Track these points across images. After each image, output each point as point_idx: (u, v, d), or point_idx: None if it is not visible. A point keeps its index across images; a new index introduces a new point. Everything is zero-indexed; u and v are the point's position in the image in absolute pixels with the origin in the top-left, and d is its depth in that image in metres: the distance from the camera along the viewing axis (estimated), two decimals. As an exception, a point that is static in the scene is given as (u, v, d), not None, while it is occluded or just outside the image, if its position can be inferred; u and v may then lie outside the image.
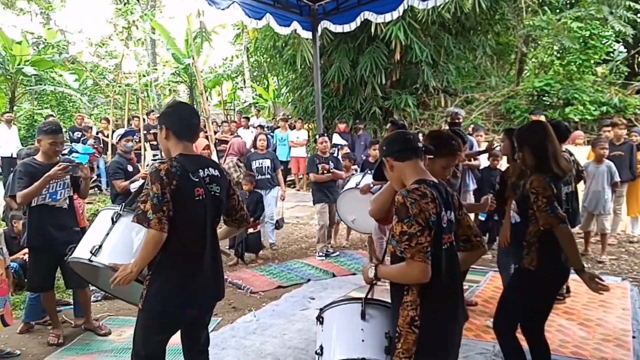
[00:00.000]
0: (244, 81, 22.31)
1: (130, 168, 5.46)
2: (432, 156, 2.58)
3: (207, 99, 20.57)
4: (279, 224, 7.08)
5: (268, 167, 7.02)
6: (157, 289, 2.39)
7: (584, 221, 6.41)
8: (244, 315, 4.73)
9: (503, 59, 15.72)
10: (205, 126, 10.81)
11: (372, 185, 5.66)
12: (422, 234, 1.88)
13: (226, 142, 10.42)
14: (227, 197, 2.63)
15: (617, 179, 6.27)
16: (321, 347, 2.29)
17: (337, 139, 11.12)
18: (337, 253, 6.83)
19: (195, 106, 20.43)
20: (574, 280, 5.25)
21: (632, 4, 12.68)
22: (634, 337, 4.08)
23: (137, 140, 10.74)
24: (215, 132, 12.18)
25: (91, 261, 2.66)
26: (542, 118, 8.37)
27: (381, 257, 2.26)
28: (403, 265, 1.93)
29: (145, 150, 11.49)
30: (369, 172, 6.27)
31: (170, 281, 2.39)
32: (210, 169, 2.54)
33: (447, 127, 6.21)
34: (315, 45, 7.38)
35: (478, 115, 12.36)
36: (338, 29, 7.12)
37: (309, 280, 5.78)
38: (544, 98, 11.96)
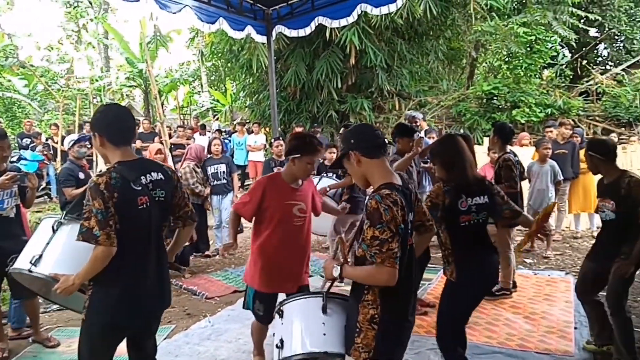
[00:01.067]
0: (201, 86, 22.08)
1: (81, 175, 5.30)
2: (299, 155, 3.04)
3: (163, 104, 20.24)
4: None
5: (224, 172, 6.99)
6: (100, 299, 2.33)
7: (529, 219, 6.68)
8: (198, 321, 4.69)
9: (455, 63, 16.19)
10: (160, 131, 10.65)
11: (328, 189, 5.72)
12: (392, 240, 1.92)
13: (182, 147, 10.30)
14: (172, 197, 2.56)
15: (560, 177, 6.57)
16: (281, 340, 2.29)
17: (294, 142, 11.12)
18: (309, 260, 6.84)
19: (150, 111, 20.13)
20: (520, 276, 5.53)
21: (574, 10, 13.33)
22: (575, 328, 4.27)
23: (90, 147, 10.46)
24: (170, 137, 11.99)
25: (31, 272, 2.57)
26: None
27: (335, 256, 2.30)
28: (371, 269, 1.97)
29: (97, 157, 11.21)
30: (325, 175, 6.34)
31: (114, 290, 2.33)
32: (153, 173, 2.46)
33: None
34: (270, 50, 7.38)
35: (431, 119, 12.67)
36: (293, 33, 7.15)
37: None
38: (492, 101, 12.39)
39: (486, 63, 15.11)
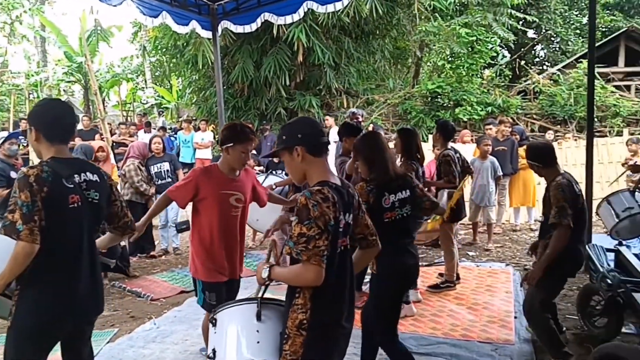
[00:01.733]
0: (145, 82, 21.45)
1: (13, 174, 5.03)
2: (232, 144, 3.06)
3: (104, 100, 19.50)
4: (181, 227, 6.85)
5: (167, 170, 6.82)
6: (28, 303, 2.20)
7: (472, 213, 6.93)
8: (143, 324, 4.55)
9: (400, 62, 16.51)
10: (101, 128, 10.27)
11: (274, 186, 5.69)
12: (320, 237, 1.85)
13: (125, 145, 9.97)
14: (108, 203, 2.46)
15: (500, 173, 6.84)
16: (214, 351, 2.19)
17: (242, 140, 11.00)
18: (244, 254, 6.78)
19: (90, 107, 19.37)
20: (463, 268, 5.71)
21: (513, 12, 13.90)
22: (515, 317, 4.44)
23: (25, 144, 9.95)
24: (112, 135, 11.60)
25: None
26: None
27: (268, 258, 2.23)
28: (297, 268, 1.90)
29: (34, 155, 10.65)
30: (273, 173, 6.32)
31: (43, 294, 2.21)
32: (88, 173, 2.36)
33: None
34: (215, 46, 7.24)
35: (378, 116, 12.88)
36: (239, 29, 7.05)
37: (213, 283, 5.68)
38: (437, 100, 12.74)
39: (430, 62, 15.52)
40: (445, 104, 12.54)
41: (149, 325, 4.49)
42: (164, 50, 15.08)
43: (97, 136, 10.01)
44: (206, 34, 7.19)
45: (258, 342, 2.11)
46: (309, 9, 6.15)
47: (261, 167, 8.03)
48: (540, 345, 3.75)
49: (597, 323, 3.89)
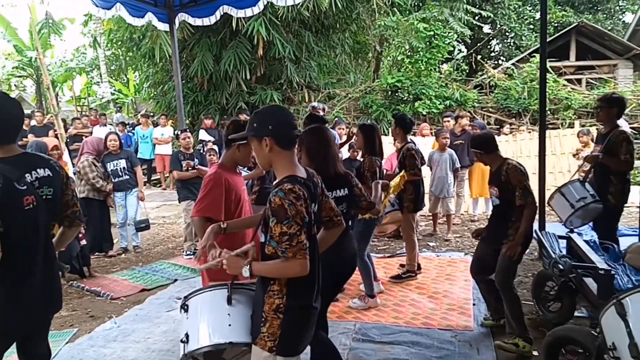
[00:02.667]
0: (100, 76, 20.82)
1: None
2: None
3: (57, 95, 18.84)
4: (140, 226, 6.74)
5: (124, 167, 6.67)
6: None
7: (431, 204, 7.09)
8: (103, 323, 4.46)
9: (361, 56, 16.62)
10: (54, 124, 9.92)
11: (237, 180, 5.65)
12: (300, 232, 1.94)
13: (80, 140, 9.67)
14: (61, 194, 2.42)
15: (458, 165, 7.01)
16: (187, 335, 2.25)
17: (203, 134, 10.91)
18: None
19: (43, 103, 18.67)
20: (424, 258, 5.84)
21: (469, 7, 14.21)
22: (474, 304, 4.59)
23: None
24: (66, 130, 11.23)
25: None
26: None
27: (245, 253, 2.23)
28: (283, 263, 1.97)
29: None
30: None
31: None
32: (39, 169, 2.30)
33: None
34: (173, 39, 7.13)
35: (339, 110, 12.94)
36: (197, 22, 6.97)
37: (175, 280, 5.62)
38: (397, 94, 12.91)
39: (390, 57, 15.69)
40: (405, 98, 12.72)
41: (109, 325, 4.40)
42: (120, 43, 14.68)
43: (50, 132, 9.68)
44: (163, 27, 7.08)
45: (229, 325, 2.18)
46: (268, 2, 6.15)
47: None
48: (497, 329, 3.90)
49: (551, 308, 4.05)
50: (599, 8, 21.96)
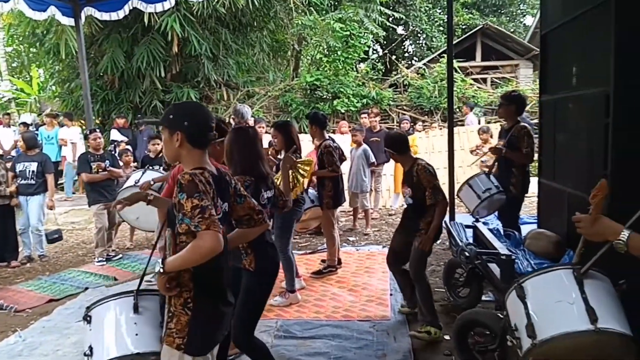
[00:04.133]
0: (0, 73, 19.20)
1: None
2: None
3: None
4: (52, 237, 6.33)
5: (33, 171, 6.23)
6: None
7: (350, 200, 7.24)
8: (7, 337, 4.15)
9: (280, 55, 16.61)
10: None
11: (152, 182, 5.47)
12: (212, 207, 1.89)
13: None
14: None
15: (372, 160, 7.19)
16: (90, 348, 2.15)
17: (115, 134, 10.40)
18: (120, 256, 6.45)
19: None
20: (344, 253, 5.97)
21: (383, 8, 14.66)
22: (391, 294, 4.77)
23: None
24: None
25: None
26: None
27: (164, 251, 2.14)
28: (194, 242, 1.87)
29: None
30: (150, 168, 6.05)
31: None
32: None
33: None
34: (79, 34, 6.74)
35: (259, 109, 12.87)
36: (105, 16, 6.64)
37: (86, 288, 5.33)
38: (316, 92, 13.06)
39: (309, 56, 15.83)
40: (324, 96, 12.90)
41: (13, 339, 4.10)
42: (22, 38, 13.67)
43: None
44: (68, 21, 6.70)
45: (137, 335, 2.11)
46: (180, -4, 5.97)
47: (136, 163, 7.66)
48: (412, 317, 4.08)
49: (461, 293, 4.30)
50: (502, 11, 23.45)
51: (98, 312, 2.23)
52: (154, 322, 2.14)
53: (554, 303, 1.84)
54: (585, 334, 1.70)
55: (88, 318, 2.23)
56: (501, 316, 2.66)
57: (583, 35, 3.82)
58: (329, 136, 5.50)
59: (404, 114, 12.90)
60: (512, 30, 21.49)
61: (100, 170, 6.13)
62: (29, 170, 6.24)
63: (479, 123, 10.13)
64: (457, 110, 11.69)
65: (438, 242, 3.95)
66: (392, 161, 7.80)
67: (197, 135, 2.04)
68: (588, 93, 3.62)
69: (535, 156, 4.92)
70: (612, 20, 3.12)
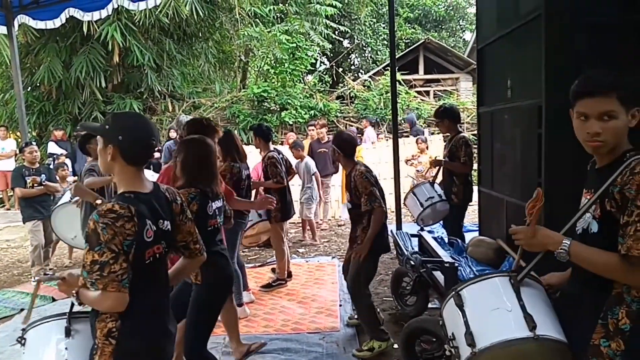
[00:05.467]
0: None
1: None
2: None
3: None
4: None
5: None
6: None
7: (300, 211, 7.24)
8: None
9: (226, 66, 16.49)
10: None
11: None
12: (115, 261, 1.71)
13: None
14: None
15: (313, 171, 7.17)
16: None
17: (52, 147, 9.96)
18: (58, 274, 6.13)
19: None
20: (294, 265, 5.94)
21: (328, 22, 14.86)
22: (340, 305, 4.77)
23: None
24: None
25: None
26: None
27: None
28: (96, 295, 1.76)
29: None
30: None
31: None
32: None
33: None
34: (12, 42, 6.43)
35: (206, 120, 12.68)
36: (40, 25, 6.37)
37: (22, 310, 5.03)
38: (263, 103, 13.03)
39: (256, 67, 15.80)
40: (271, 108, 12.89)
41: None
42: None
43: None
44: (0, 29, 6.36)
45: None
46: (119, 5, 5.83)
47: (75, 178, 7.36)
48: (362, 327, 4.09)
49: (409, 302, 4.35)
50: (443, 27, 24.32)
51: (31, 335, 2.10)
52: (87, 346, 1.97)
53: (492, 311, 1.83)
54: (525, 342, 1.71)
55: (22, 341, 2.09)
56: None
57: (516, 49, 4.01)
58: (274, 147, 5.49)
59: (351, 126, 13.09)
60: (452, 45, 22.30)
61: (35, 184, 5.84)
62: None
63: (423, 134, 10.39)
64: (402, 122, 11.97)
65: (383, 254, 3.95)
66: (340, 172, 7.98)
67: (131, 152, 1.88)
68: (522, 105, 3.80)
69: (475, 165, 5.11)
70: (542, 35, 3.29)
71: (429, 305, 4.25)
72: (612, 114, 1.61)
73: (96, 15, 6.02)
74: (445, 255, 3.76)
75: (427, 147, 8.14)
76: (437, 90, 16.37)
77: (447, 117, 4.94)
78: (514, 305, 1.79)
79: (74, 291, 1.87)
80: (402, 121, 11.83)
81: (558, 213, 1.85)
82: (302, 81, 14.42)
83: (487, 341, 1.75)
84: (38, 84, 11.50)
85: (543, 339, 1.70)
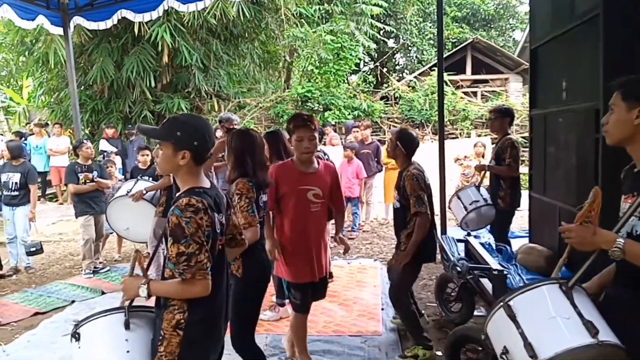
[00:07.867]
0: (-11, 82, 19.04)
1: None
2: (294, 133, 3.12)
3: None
4: (31, 250, 6.20)
5: (16, 182, 6.12)
6: None
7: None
8: (-11, 353, 4.04)
9: (271, 66, 16.66)
10: None
11: (144, 192, 5.44)
12: (200, 251, 1.84)
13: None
14: None
15: (363, 175, 7.13)
16: None
17: (104, 145, 10.32)
18: (108, 268, 6.34)
19: None
20: (336, 266, 5.91)
21: (373, 22, 14.76)
22: (382, 309, 4.71)
23: None
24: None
25: None
26: None
27: (132, 272, 2.10)
28: (182, 283, 1.87)
29: None
30: (141, 178, 5.97)
31: None
32: None
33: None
34: (68, 43, 6.69)
35: (250, 120, 12.86)
36: (93, 26, 6.60)
37: (73, 302, 5.22)
38: (307, 103, 13.07)
39: (300, 67, 15.88)
40: (315, 108, 12.92)
41: (-4, 355, 3.99)
42: (11, 47, 13.62)
43: None
44: (56, 30, 6.65)
45: (128, 352, 2.03)
46: (169, 7, 5.97)
47: (124, 175, 7.58)
48: (405, 333, 4.02)
49: (453, 308, 4.25)
50: (492, 26, 23.75)
51: (87, 330, 2.13)
52: (146, 340, 2.06)
53: (549, 319, 1.80)
54: (588, 349, 1.67)
55: (77, 335, 2.14)
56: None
57: (572, 49, 3.85)
58: (321, 149, 5.47)
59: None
60: (501, 44, 21.75)
61: (87, 181, 6.05)
62: (12, 182, 6.13)
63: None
64: (448, 123, 11.76)
65: (435, 262, 3.83)
66: (382, 172, 7.90)
67: (203, 154, 2.02)
68: (578, 107, 3.63)
69: (526, 170, 4.94)
70: (600, 34, 3.14)
71: (475, 313, 4.14)
72: (612, 107, 1.79)
73: (147, 17, 6.18)
74: (493, 263, 3.64)
75: (483, 154, 7.90)
76: (485, 91, 15.98)
77: (509, 115, 4.79)
78: (570, 313, 1.76)
79: (143, 285, 1.95)
80: (449, 123, 11.62)
81: (604, 219, 1.79)
82: (346, 81, 14.39)
83: (551, 351, 1.70)
84: (91, 83, 11.92)
85: (605, 345, 1.67)
